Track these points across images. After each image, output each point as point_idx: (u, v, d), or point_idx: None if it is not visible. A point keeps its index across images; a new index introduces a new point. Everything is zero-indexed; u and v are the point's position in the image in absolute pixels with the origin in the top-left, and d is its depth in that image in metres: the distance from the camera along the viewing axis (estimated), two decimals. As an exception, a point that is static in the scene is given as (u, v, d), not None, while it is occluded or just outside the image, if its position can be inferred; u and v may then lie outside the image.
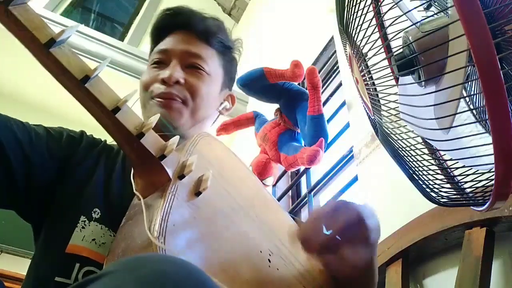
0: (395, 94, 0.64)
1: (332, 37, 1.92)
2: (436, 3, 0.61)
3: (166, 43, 0.78)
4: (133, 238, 0.44)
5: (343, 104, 1.67)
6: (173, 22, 0.80)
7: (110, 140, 0.75)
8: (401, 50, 0.57)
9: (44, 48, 0.43)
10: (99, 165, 0.69)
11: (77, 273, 0.56)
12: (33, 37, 0.43)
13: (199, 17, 0.81)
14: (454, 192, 0.60)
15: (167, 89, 0.72)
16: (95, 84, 0.46)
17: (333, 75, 1.96)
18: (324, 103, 1.78)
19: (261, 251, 0.54)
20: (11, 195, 0.61)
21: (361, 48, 0.59)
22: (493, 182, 0.45)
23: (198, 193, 0.50)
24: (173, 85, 0.73)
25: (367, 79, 0.62)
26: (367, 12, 0.55)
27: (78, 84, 0.45)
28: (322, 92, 1.71)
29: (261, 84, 1.72)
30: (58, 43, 0.44)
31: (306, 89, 1.65)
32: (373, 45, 0.57)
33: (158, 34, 0.81)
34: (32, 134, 0.63)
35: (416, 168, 0.63)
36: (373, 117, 0.69)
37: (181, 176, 0.49)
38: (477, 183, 0.55)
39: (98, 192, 0.65)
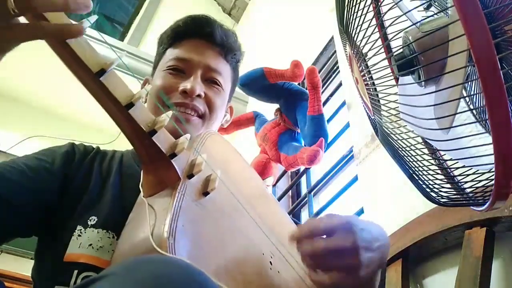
0: (395, 94, 0.64)
1: (332, 37, 1.92)
2: (436, 3, 0.61)
3: (187, 52, 0.78)
4: (140, 237, 0.44)
5: (343, 104, 1.67)
6: (196, 30, 0.80)
7: (103, 139, 0.75)
8: (401, 50, 0.57)
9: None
10: (93, 173, 0.69)
11: (76, 279, 0.56)
12: None
13: (222, 31, 0.81)
14: (454, 192, 0.60)
15: (188, 101, 0.73)
16: (110, 78, 0.45)
17: (333, 75, 1.96)
18: (324, 103, 1.78)
19: (263, 253, 0.54)
20: (28, 229, 0.62)
21: (361, 48, 0.59)
22: (493, 182, 0.45)
23: (205, 193, 0.50)
24: (194, 97, 0.73)
25: (367, 79, 0.62)
26: (367, 12, 0.55)
27: (93, 77, 0.44)
28: (322, 92, 1.71)
29: (261, 84, 1.72)
30: None
31: (306, 89, 1.65)
32: (373, 45, 0.57)
33: (176, 37, 0.81)
34: (26, 170, 0.62)
35: (416, 168, 0.63)
36: (373, 117, 0.69)
37: (190, 176, 0.49)
38: (477, 183, 0.55)
39: (93, 200, 0.65)
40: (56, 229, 0.62)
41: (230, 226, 0.52)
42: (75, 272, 0.57)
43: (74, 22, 0.44)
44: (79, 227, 0.60)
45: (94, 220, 0.61)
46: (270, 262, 0.54)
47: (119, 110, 0.46)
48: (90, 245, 0.59)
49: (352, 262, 0.49)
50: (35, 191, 0.61)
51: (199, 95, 0.74)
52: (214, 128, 0.80)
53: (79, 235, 0.59)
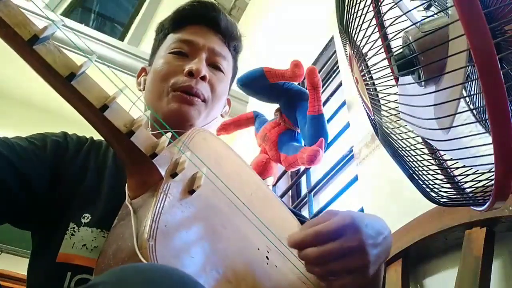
0: (395, 94, 0.64)
1: (332, 37, 1.92)
2: (436, 3, 0.61)
3: (191, 35, 0.76)
4: (124, 240, 0.43)
5: (343, 104, 1.67)
6: (201, 14, 0.79)
7: (97, 136, 0.74)
8: (401, 50, 0.57)
9: (27, 46, 0.41)
10: (89, 166, 0.67)
11: (69, 282, 0.55)
12: (15, 34, 0.41)
13: (226, 19, 0.81)
14: (454, 192, 0.60)
15: (192, 84, 0.71)
16: (82, 81, 0.44)
17: (333, 75, 1.96)
18: (324, 103, 1.78)
19: (258, 249, 0.54)
20: (12, 212, 0.60)
21: (361, 48, 0.59)
22: (493, 182, 0.45)
23: (191, 191, 0.49)
24: (198, 79, 0.72)
25: (367, 79, 0.62)
26: (367, 12, 0.55)
27: (64, 82, 0.43)
28: (322, 92, 1.71)
29: (261, 84, 1.72)
30: (41, 40, 0.42)
31: (306, 89, 1.65)
32: (373, 45, 0.57)
33: (179, 21, 0.79)
34: (17, 148, 0.60)
35: (416, 168, 0.63)
36: (373, 117, 0.69)
37: (173, 175, 0.48)
38: (477, 183, 0.55)
39: (88, 196, 0.63)
40: (49, 225, 0.60)
41: (222, 223, 0.51)
42: (69, 274, 0.55)
43: (36, 24, 0.42)
44: (72, 225, 0.59)
45: (88, 218, 0.59)
46: (267, 257, 0.54)
47: (94, 113, 0.44)
48: (84, 245, 0.57)
49: (361, 262, 0.48)
50: (22, 172, 0.58)
51: (203, 77, 0.72)
52: (214, 115, 0.78)
53: (72, 234, 0.58)
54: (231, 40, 0.81)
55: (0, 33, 0.42)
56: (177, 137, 0.55)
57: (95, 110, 0.44)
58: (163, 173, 0.48)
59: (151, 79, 0.76)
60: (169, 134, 0.51)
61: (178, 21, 0.79)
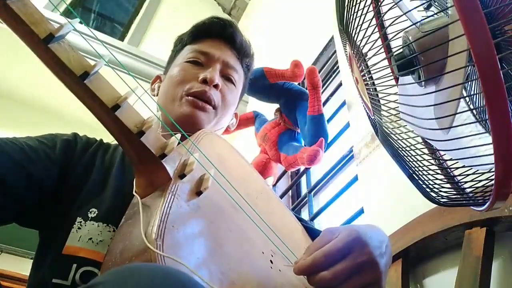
0: (395, 94, 0.64)
1: (332, 37, 1.92)
2: (436, 3, 0.61)
3: (208, 47, 0.81)
4: (131, 239, 0.43)
5: (343, 104, 1.67)
6: (219, 29, 0.84)
7: (107, 139, 0.75)
8: (401, 50, 0.57)
9: (42, 44, 0.42)
10: (95, 164, 0.69)
11: (74, 273, 0.56)
12: (32, 32, 0.42)
13: (242, 36, 0.87)
14: (454, 192, 0.60)
15: (206, 90, 0.75)
16: (95, 80, 0.45)
17: (333, 75, 1.96)
18: (324, 103, 1.78)
19: (263, 252, 0.54)
20: (22, 212, 0.61)
21: (361, 48, 0.59)
22: (493, 182, 0.45)
23: (199, 193, 0.50)
24: (211, 87, 0.76)
25: (367, 79, 0.62)
26: (367, 12, 0.55)
27: (77, 81, 0.44)
28: (322, 92, 1.71)
29: (261, 84, 1.72)
30: (57, 38, 0.43)
31: (306, 89, 1.65)
32: (373, 45, 0.57)
33: (198, 34, 0.84)
34: (26, 149, 0.61)
35: (416, 168, 0.63)
36: (373, 117, 0.69)
37: (181, 176, 0.49)
38: (477, 183, 0.55)
39: (95, 191, 0.64)
40: (56, 221, 0.61)
41: (227, 225, 0.51)
42: (74, 266, 0.56)
43: (53, 24, 0.43)
44: (79, 219, 0.60)
45: (95, 212, 0.61)
46: (271, 261, 0.54)
47: (106, 112, 0.45)
48: (90, 239, 0.58)
49: (374, 274, 0.48)
50: (31, 173, 0.60)
51: (216, 85, 0.77)
52: (222, 125, 0.82)
53: (79, 228, 0.59)
54: (245, 56, 0.86)
55: (18, 31, 0.43)
56: (188, 137, 0.56)
57: (106, 109, 0.45)
58: (171, 173, 0.48)
59: (166, 85, 0.81)
60: (178, 135, 0.51)
61: (196, 34, 0.85)
